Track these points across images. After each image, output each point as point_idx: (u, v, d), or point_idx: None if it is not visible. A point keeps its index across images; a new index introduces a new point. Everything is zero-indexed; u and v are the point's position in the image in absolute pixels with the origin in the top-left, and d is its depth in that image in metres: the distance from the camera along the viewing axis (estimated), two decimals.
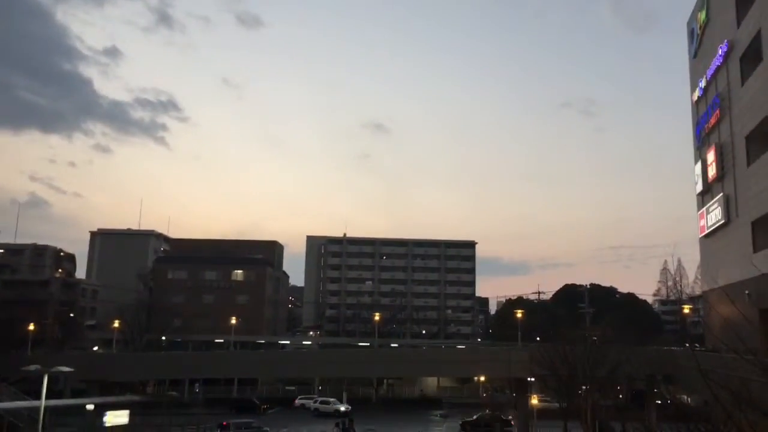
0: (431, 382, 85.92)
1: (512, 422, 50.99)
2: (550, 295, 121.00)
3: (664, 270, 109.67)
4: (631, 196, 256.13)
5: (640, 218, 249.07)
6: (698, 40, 45.30)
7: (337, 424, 52.24)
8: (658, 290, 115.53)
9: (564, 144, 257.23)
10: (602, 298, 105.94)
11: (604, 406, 42.05)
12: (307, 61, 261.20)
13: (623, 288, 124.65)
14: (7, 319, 66.23)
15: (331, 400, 64.54)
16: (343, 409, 61.45)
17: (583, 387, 40.26)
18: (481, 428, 50.96)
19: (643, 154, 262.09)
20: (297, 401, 69.10)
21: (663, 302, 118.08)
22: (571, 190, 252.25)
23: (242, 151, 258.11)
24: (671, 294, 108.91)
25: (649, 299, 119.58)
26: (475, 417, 53.43)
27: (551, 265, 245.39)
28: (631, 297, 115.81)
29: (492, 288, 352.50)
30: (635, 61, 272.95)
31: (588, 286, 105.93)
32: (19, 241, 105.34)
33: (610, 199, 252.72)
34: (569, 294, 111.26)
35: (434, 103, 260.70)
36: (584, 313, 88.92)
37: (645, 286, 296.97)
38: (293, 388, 78.35)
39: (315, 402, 65.87)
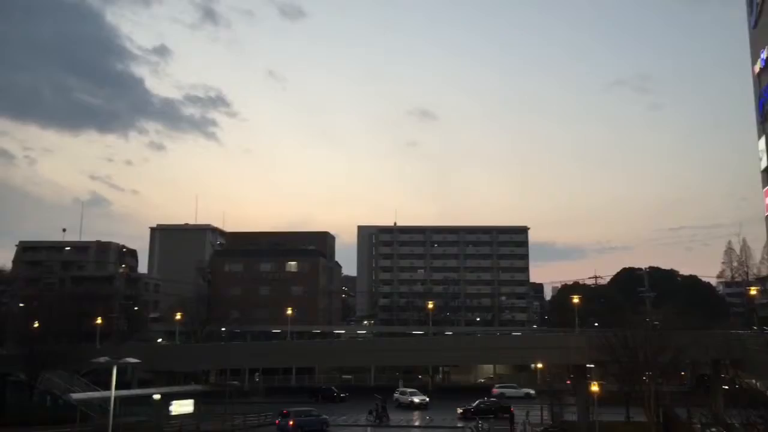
0: (487, 370, 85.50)
1: (512, 409, 51.06)
2: (608, 280, 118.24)
3: (729, 250, 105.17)
4: (690, 174, 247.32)
5: (701, 197, 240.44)
6: (758, 8, 43.00)
7: (370, 411, 52.88)
8: (722, 272, 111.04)
9: (617, 123, 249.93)
10: (663, 281, 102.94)
11: (667, 392, 40.88)
12: (351, 50, 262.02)
13: (685, 270, 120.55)
14: (76, 313, 69.33)
15: (409, 390, 63.78)
16: (417, 400, 60.08)
17: (646, 373, 39.23)
18: (481, 415, 50.64)
19: (703, 130, 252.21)
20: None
21: (728, 284, 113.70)
22: (626, 171, 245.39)
23: (291, 143, 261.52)
24: (736, 275, 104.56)
25: (713, 281, 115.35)
26: (474, 404, 53.13)
27: (607, 249, 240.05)
28: (693, 279, 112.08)
29: (546, 274, 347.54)
30: (691, 33, 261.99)
31: (647, 270, 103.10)
32: (84, 238, 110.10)
33: (668, 178, 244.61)
34: (628, 278, 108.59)
35: (480, 86, 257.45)
36: (644, 298, 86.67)
37: (708, 268, 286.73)
38: (350, 376, 79.36)
39: (396, 393, 64.62)
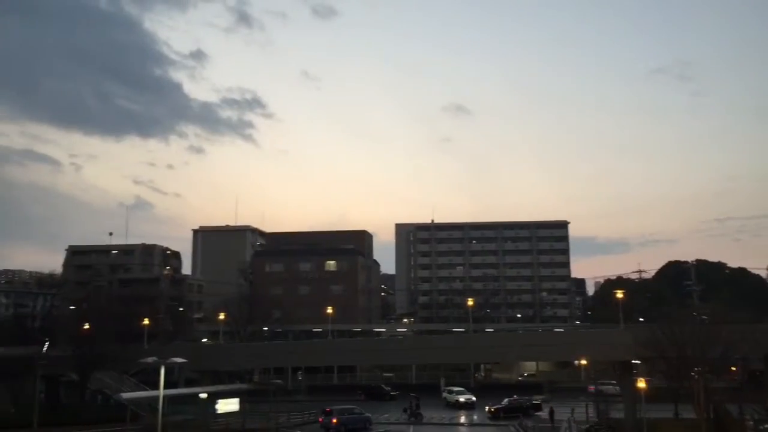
0: (529, 367, 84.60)
1: (541, 405, 51.60)
2: (652, 274, 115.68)
3: None
4: (736, 163, 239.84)
5: (748, 187, 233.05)
6: None
7: (404, 409, 52.85)
8: None
9: (659, 112, 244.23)
10: (710, 274, 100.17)
11: (717, 389, 39.79)
12: (383, 47, 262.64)
13: (733, 263, 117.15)
14: (124, 315, 71.24)
15: (456, 389, 63.28)
16: (463, 399, 59.48)
17: (695, 369, 38.23)
18: (511, 413, 50.24)
19: (748, 117, 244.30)
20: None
21: None
22: (668, 162, 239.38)
23: (326, 142, 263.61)
24: None
25: (763, 274, 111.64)
26: (505, 402, 52.70)
27: (651, 242, 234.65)
28: (742, 272, 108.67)
29: (588, 268, 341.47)
30: (733, 18, 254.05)
31: (694, 263, 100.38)
32: (130, 241, 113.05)
33: (713, 168, 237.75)
34: (673, 271, 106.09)
35: (515, 79, 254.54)
36: (691, 291, 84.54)
37: (758, 260, 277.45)
38: (391, 374, 79.52)
39: (443, 392, 64.62)
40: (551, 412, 48.25)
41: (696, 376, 38.03)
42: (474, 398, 59.88)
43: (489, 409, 52.26)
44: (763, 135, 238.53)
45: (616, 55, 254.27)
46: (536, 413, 51.87)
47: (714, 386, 39.73)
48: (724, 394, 41.63)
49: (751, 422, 38.14)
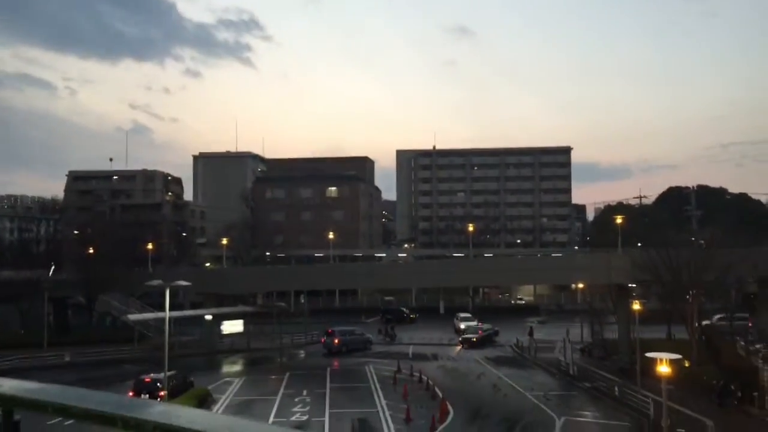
0: (527, 290, 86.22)
1: (498, 332, 54.84)
2: (653, 200, 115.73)
3: None
4: (743, 87, 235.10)
5: (754, 111, 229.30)
6: None
7: (379, 331, 54.73)
8: None
9: (667, 34, 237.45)
10: (711, 199, 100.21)
11: (711, 311, 40.63)
12: None
13: (734, 188, 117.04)
14: (128, 240, 72.01)
15: (461, 315, 61.52)
16: (462, 326, 56.40)
17: (690, 291, 38.88)
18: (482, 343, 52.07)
19: (759, 39, 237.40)
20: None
21: None
22: (675, 86, 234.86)
23: (327, 66, 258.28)
24: None
25: (764, 199, 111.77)
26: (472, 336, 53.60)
27: (654, 168, 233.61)
28: (743, 197, 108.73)
29: (589, 194, 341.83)
30: None
31: (695, 188, 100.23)
32: (130, 167, 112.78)
33: (720, 92, 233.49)
34: (674, 197, 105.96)
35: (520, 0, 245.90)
36: (690, 217, 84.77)
37: (760, 185, 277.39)
38: (392, 298, 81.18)
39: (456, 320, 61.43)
40: (531, 332, 50.94)
41: (690, 299, 38.73)
42: (479, 325, 55.35)
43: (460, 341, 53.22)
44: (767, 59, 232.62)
45: None
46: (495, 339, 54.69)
47: (708, 309, 40.55)
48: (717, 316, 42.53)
49: (742, 342, 39.11)
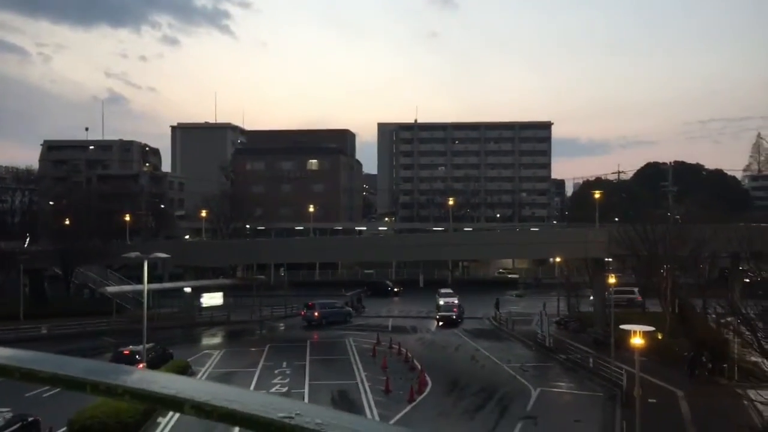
0: (506, 264, 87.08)
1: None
2: (631, 175, 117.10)
3: (757, 142, 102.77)
4: (723, 64, 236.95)
5: (733, 89, 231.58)
6: None
7: (346, 303, 55.31)
8: (749, 165, 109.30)
9: (650, 9, 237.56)
10: (687, 175, 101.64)
11: (685, 285, 41.44)
12: None
13: (711, 165, 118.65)
14: (105, 211, 71.09)
15: (442, 291, 58.91)
16: (441, 303, 53.64)
17: (664, 266, 39.61)
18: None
19: (741, 16, 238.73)
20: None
21: (754, 178, 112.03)
22: (655, 62, 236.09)
23: (307, 37, 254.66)
24: (763, 168, 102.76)
25: (739, 175, 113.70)
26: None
27: (633, 143, 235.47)
28: (718, 173, 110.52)
29: (569, 169, 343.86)
30: None
31: (672, 164, 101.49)
32: (106, 137, 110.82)
33: (700, 69, 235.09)
34: (651, 173, 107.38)
35: None
36: (667, 192, 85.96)
37: (736, 162, 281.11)
38: (371, 271, 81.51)
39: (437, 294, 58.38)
40: (497, 303, 52.94)
41: (664, 273, 39.46)
42: (456, 311, 51.06)
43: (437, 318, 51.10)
44: (751, 36, 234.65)
45: None
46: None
47: (682, 283, 41.35)
48: (691, 290, 43.43)
49: (714, 315, 40.01)
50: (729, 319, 30.20)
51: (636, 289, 54.45)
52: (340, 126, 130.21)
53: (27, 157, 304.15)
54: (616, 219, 58.16)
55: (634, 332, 22.24)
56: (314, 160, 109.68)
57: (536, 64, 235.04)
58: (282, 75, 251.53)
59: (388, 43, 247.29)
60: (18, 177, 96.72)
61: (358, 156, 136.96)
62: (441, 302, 53.82)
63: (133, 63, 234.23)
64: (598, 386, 30.62)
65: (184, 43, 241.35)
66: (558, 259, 60.63)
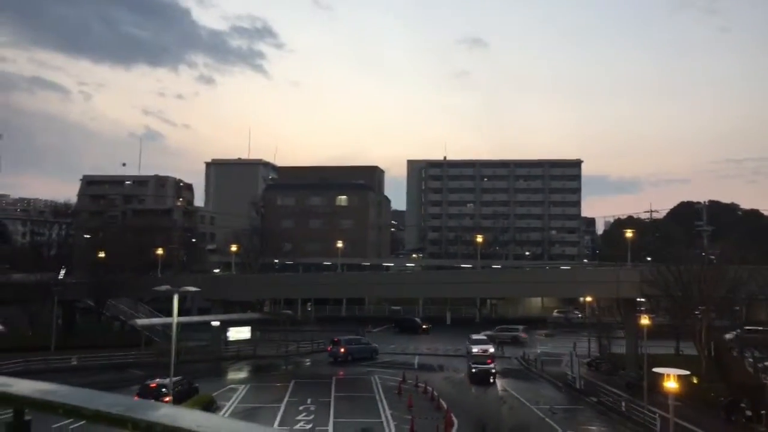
0: (535, 303, 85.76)
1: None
2: (664, 214, 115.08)
3: None
4: (757, 102, 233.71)
5: (767, 127, 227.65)
6: None
7: (350, 333, 55.13)
8: None
9: (681, 48, 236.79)
10: (722, 215, 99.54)
11: (720, 327, 40.29)
12: None
13: (746, 205, 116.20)
14: (138, 244, 72.42)
15: (473, 337, 51.48)
16: (475, 350, 46.77)
17: (699, 307, 38.61)
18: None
19: None
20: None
21: None
22: (687, 99, 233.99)
23: (339, 75, 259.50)
24: None
25: None
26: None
27: (664, 182, 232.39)
28: (754, 213, 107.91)
29: (599, 208, 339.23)
30: None
31: (706, 203, 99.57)
32: (143, 173, 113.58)
33: (733, 107, 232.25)
34: (685, 212, 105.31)
35: (534, 12, 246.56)
36: (701, 232, 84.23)
37: None
38: (398, 308, 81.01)
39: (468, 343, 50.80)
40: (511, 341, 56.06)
41: (699, 315, 38.44)
42: (491, 362, 42.38)
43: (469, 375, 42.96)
44: None
45: None
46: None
47: (716, 324, 40.22)
48: (726, 332, 42.18)
49: (751, 359, 38.73)
50: (766, 363, 29.25)
51: (521, 327, 62.22)
52: (370, 162, 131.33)
53: (66, 191, 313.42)
54: (648, 258, 57.10)
55: (668, 376, 21.65)
56: (343, 196, 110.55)
57: (565, 102, 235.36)
58: (313, 112, 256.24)
59: (418, 81, 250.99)
60: (56, 211, 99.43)
61: (387, 192, 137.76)
62: (474, 349, 46.94)
63: (170, 101, 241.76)
64: (631, 431, 29.69)
65: (220, 81, 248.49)
66: (588, 299, 59.56)
